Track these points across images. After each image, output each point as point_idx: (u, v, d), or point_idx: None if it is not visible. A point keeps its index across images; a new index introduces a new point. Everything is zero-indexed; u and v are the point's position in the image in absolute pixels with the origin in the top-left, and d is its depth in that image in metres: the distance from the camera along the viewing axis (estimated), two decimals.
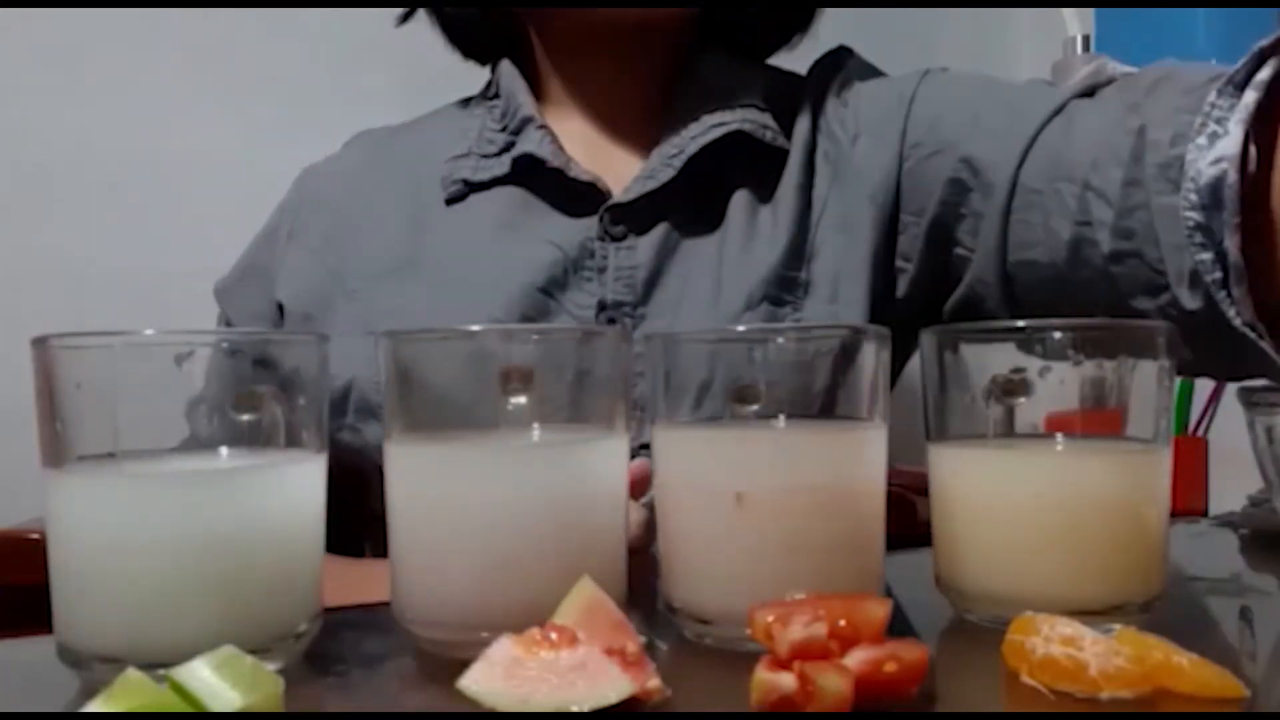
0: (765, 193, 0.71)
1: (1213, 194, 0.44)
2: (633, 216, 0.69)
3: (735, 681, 0.37)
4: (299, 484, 0.44)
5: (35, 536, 0.86)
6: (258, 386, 0.43)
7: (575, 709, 0.35)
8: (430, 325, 0.70)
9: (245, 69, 1.49)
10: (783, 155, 0.70)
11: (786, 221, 0.70)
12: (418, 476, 0.45)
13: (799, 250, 0.69)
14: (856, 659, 0.36)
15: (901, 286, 0.70)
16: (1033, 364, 0.47)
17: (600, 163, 0.73)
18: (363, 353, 0.60)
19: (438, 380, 0.45)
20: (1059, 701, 0.37)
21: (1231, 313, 0.46)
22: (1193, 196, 0.45)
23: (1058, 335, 0.47)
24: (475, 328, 0.44)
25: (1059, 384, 0.47)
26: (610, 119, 0.75)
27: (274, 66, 1.48)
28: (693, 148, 0.69)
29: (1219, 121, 0.45)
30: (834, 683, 0.35)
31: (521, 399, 0.44)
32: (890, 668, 0.36)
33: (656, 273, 0.68)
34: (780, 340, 0.46)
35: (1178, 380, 0.74)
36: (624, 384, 0.47)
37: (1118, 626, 0.39)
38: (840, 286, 0.68)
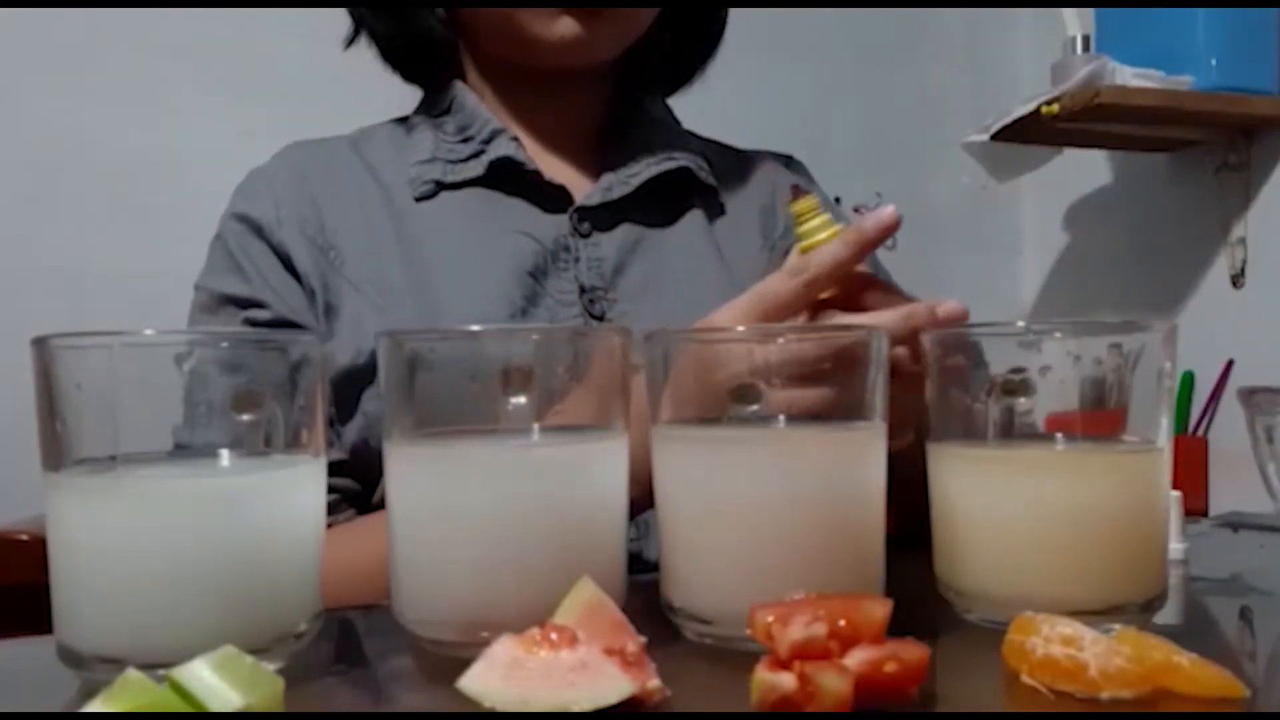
0: (714, 214, 0.84)
1: None
2: (596, 217, 0.79)
3: (735, 681, 0.37)
4: (299, 486, 0.44)
5: (25, 537, 0.87)
6: (257, 387, 0.43)
7: (575, 709, 0.35)
8: (432, 300, 0.73)
9: (245, 69, 1.49)
10: (714, 193, 0.84)
11: (748, 246, 0.83)
12: (418, 477, 0.45)
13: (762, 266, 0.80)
14: (856, 659, 0.36)
15: None
16: (1033, 364, 0.47)
17: (553, 172, 0.80)
18: (376, 326, 0.68)
19: (438, 381, 0.45)
20: (1059, 701, 0.37)
21: None
22: None
23: (1058, 335, 0.47)
24: (475, 328, 0.45)
25: (1059, 384, 0.47)
26: (553, 138, 0.84)
27: (274, 66, 1.48)
28: (649, 172, 0.80)
29: None
30: (834, 683, 0.35)
31: (521, 399, 0.44)
32: (890, 668, 0.36)
33: (621, 264, 0.79)
34: (780, 340, 0.46)
35: (1177, 379, 0.78)
36: (623, 384, 0.47)
37: (1118, 626, 0.39)
38: None
